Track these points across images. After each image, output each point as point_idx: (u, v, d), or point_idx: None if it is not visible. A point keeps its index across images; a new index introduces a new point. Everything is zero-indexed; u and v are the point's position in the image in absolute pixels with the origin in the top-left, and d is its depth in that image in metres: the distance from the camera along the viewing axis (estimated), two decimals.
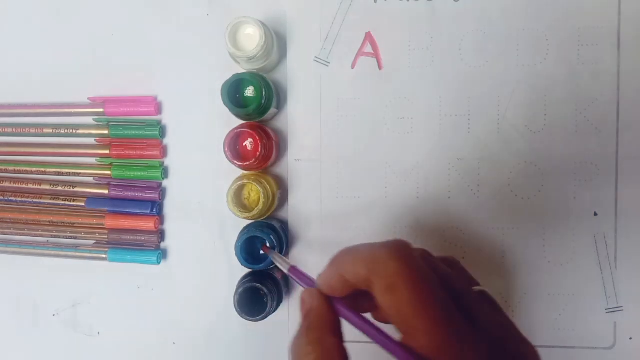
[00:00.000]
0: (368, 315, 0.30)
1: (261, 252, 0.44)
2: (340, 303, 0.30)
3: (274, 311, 0.44)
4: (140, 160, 0.48)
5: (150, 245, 0.48)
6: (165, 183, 0.49)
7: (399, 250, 0.27)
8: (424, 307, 0.25)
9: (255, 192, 0.45)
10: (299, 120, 0.47)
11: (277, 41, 0.45)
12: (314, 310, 0.30)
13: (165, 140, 0.49)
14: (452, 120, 0.45)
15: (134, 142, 0.48)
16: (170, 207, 0.49)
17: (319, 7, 0.46)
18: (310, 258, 0.47)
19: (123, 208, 0.48)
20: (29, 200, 0.49)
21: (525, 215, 0.45)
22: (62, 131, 0.48)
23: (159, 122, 0.48)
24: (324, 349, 0.28)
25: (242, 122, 0.45)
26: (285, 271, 0.36)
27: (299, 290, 0.47)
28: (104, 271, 0.49)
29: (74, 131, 0.48)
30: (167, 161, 0.49)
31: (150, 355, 0.49)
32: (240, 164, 0.43)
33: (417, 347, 0.25)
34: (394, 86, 0.46)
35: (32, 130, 0.49)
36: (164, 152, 0.48)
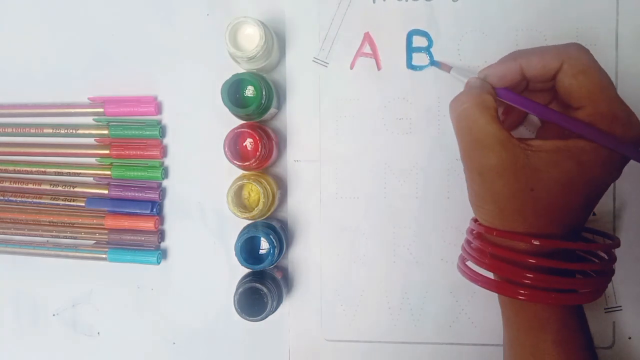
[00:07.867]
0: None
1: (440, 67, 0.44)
2: (508, 89, 0.37)
3: (274, 311, 0.44)
4: (140, 160, 0.48)
5: (150, 245, 0.48)
6: (165, 183, 0.49)
7: (584, 47, 0.35)
8: (607, 85, 0.34)
9: (255, 192, 0.45)
10: (297, 121, 0.47)
11: (277, 41, 0.45)
12: (477, 81, 0.37)
13: (165, 140, 0.49)
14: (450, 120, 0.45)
15: (134, 142, 0.48)
16: (170, 207, 0.49)
17: (317, 8, 0.46)
18: (310, 258, 0.47)
19: (123, 208, 0.48)
20: (29, 200, 0.49)
21: None
22: (62, 131, 0.48)
23: (159, 122, 0.48)
24: (480, 99, 0.35)
25: (242, 122, 0.45)
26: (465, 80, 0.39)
27: (299, 291, 0.47)
28: (104, 271, 0.49)
29: (74, 131, 0.48)
30: (167, 161, 0.49)
31: (150, 355, 0.49)
32: (240, 164, 0.43)
33: (587, 116, 0.34)
34: (393, 86, 0.46)
35: (32, 130, 0.49)
36: (164, 152, 0.49)
